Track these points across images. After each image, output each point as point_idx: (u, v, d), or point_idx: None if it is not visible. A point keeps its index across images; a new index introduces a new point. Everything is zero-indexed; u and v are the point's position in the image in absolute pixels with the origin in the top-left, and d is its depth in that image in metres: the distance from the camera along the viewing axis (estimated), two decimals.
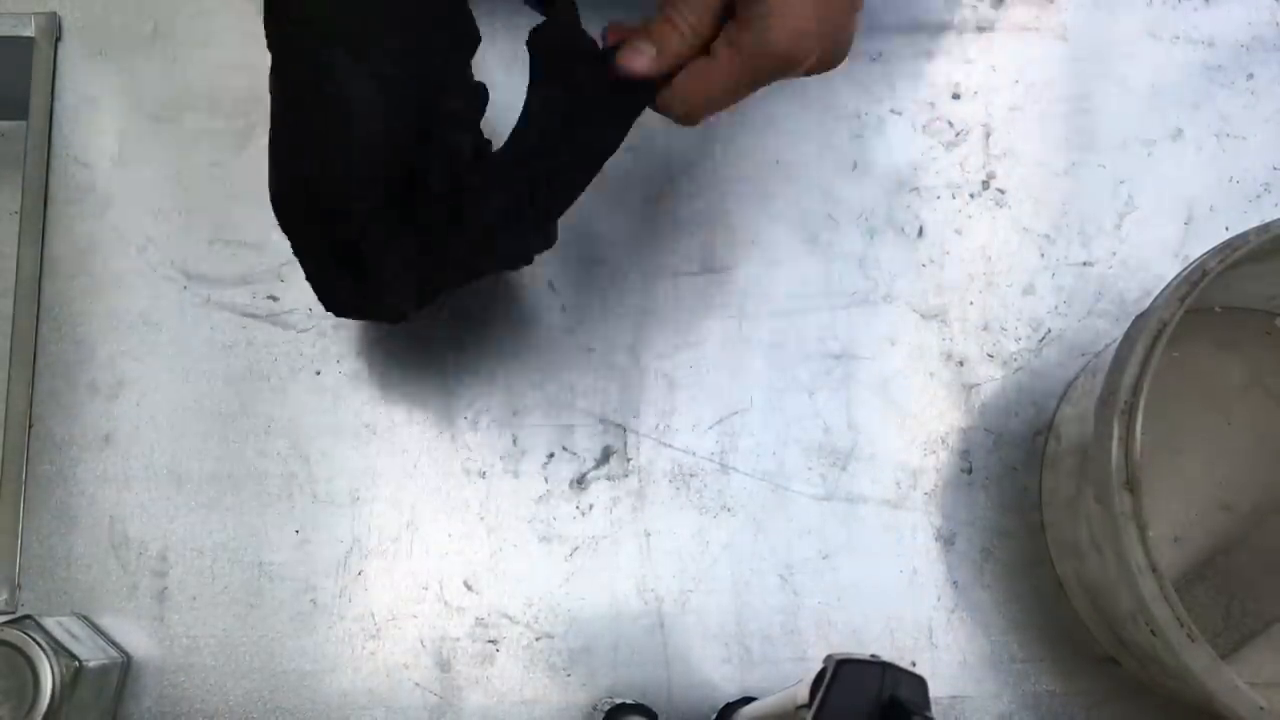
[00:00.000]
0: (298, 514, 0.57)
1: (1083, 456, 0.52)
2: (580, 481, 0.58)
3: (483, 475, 0.57)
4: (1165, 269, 0.60)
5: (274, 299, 0.59)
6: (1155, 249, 0.61)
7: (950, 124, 0.63)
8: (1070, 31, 0.64)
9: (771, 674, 0.56)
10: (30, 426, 0.57)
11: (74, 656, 0.49)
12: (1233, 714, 0.44)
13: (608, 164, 0.49)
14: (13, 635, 0.48)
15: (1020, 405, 0.59)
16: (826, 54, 0.47)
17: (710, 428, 0.58)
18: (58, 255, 0.59)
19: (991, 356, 0.60)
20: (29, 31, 0.60)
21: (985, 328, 0.60)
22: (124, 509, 0.56)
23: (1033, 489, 0.58)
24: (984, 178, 0.62)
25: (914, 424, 0.59)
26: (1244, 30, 0.64)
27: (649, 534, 0.57)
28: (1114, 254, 0.61)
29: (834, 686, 0.37)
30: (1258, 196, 0.62)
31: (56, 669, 0.48)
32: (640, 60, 0.46)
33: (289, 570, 0.56)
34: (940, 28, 0.64)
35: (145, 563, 0.56)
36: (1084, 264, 0.61)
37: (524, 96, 0.48)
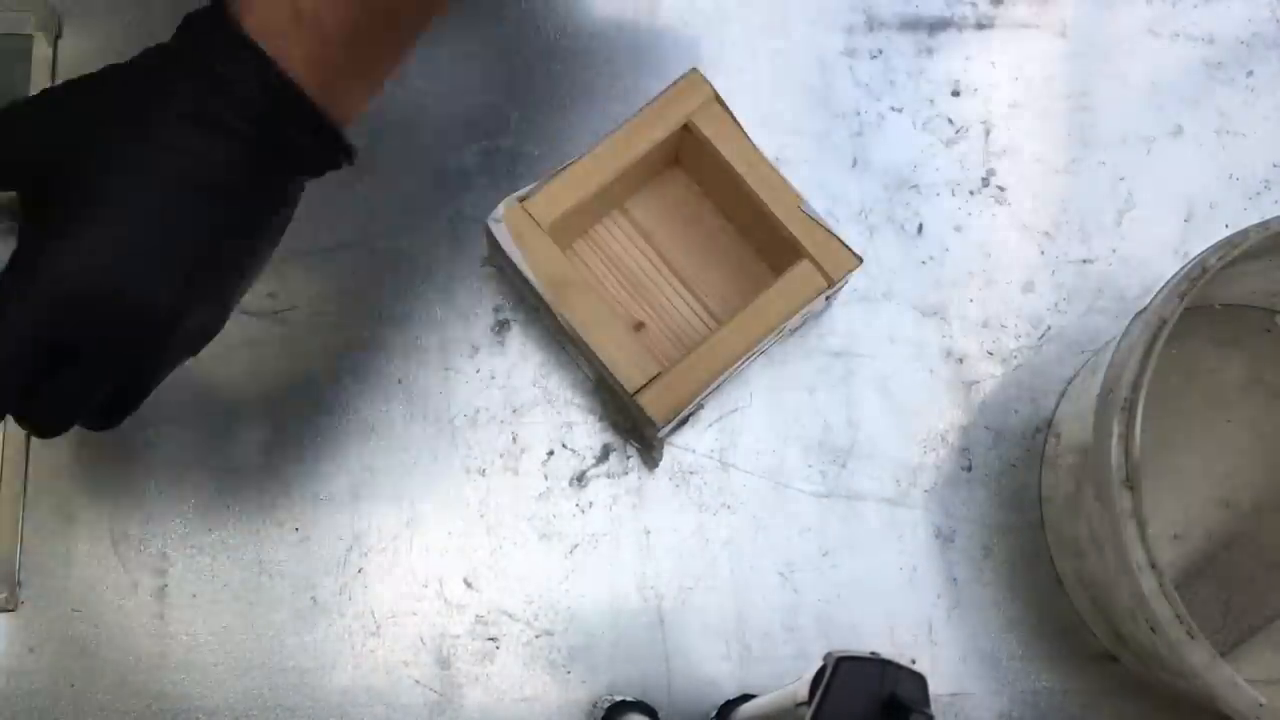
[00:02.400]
0: (297, 512, 0.57)
1: (1082, 454, 0.52)
2: (580, 479, 0.58)
3: (482, 473, 0.57)
4: (1165, 266, 0.60)
5: (273, 297, 0.59)
6: (1155, 246, 0.61)
7: (950, 121, 0.63)
8: (1070, 28, 0.64)
9: (771, 671, 0.56)
10: None
11: None
12: (1232, 710, 0.44)
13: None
14: None
15: (1020, 402, 0.59)
16: None
17: (710, 425, 0.58)
18: None
19: (991, 353, 0.60)
20: (28, 28, 0.60)
21: (985, 325, 0.60)
22: (124, 507, 0.56)
23: (1032, 486, 0.58)
24: (984, 175, 0.62)
25: (914, 421, 0.59)
26: (1244, 27, 0.64)
27: (649, 531, 0.57)
28: (1114, 251, 0.61)
29: (834, 684, 0.37)
30: (1258, 193, 0.62)
31: None
32: None
33: (289, 568, 0.56)
34: (940, 24, 0.64)
35: (145, 560, 0.56)
36: (1084, 261, 0.61)
37: None
